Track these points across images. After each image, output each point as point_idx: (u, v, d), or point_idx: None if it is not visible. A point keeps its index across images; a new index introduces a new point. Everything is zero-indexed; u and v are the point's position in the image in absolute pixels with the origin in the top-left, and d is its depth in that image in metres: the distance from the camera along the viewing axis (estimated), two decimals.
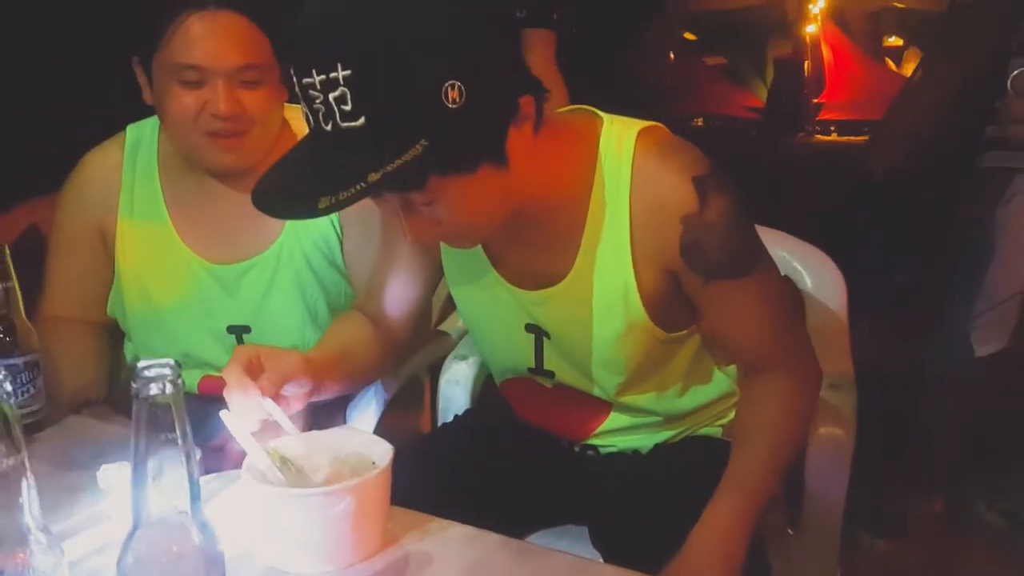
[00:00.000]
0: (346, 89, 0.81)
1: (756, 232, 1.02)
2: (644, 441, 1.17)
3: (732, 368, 1.18)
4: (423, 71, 0.82)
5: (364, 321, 1.19)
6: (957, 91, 1.85)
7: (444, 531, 0.91)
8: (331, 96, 0.82)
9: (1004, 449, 2.08)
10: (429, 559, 0.87)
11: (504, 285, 1.09)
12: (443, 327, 1.55)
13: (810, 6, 9.58)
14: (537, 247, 1.05)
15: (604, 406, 1.14)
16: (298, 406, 0.98)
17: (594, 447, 1.18)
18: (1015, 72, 1.73)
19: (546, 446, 1.21)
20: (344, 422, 1.36)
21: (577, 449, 1.20)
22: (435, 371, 1.48)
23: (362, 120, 0.82)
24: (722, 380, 1.17)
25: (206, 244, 1.32)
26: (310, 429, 0.98)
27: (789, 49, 9.89)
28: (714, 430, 1.19)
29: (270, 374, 0.94)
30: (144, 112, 1.29)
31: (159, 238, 1.32)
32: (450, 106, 0.82)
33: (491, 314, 1.14)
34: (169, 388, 0.57)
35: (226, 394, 0.93)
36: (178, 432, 0.58)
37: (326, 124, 0.84)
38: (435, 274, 1.19)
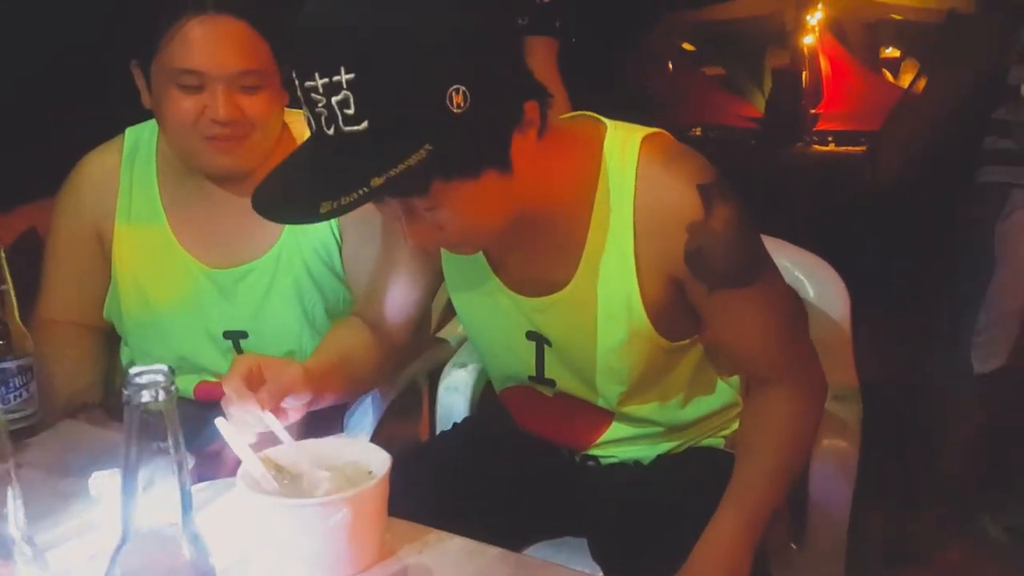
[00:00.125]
0: (349, 92, 0.80)
1: (761, 241, 1.01)
2: (646, 452, 1.15)
3: (735, 379, 1.17)
4: (427, 75, 0.81)
5: (362, 327, 1.17)
6: (957, 101, 1.84)
7: (442, 543, 0.89)
8: (334, 99, 0.81)
9: (1008, 464, 2.07)
10: (427, 572, 0.85)
11: (505, 292, 1.07)
12: (442, 333, 1.54)
13: (808, 17, 9.62)
14: (539, 253, 1.03)
15: (605, 416, 1.12)
16: (296, 417, 0.96)
17: (595, 457, 1.17)
18: None
19: (546, 456, 1.19)
20: (342, 430, 1.35)
21: (578, 459, 1.18)
22: (434, 378, 1.47)
23: (365, 124, 0.81)
24: (725, 390, 1.16)
25: (204, 248, 1.31)
26: (307, 437, 0.96)
27: (787, 60, 9.94)
28: (717, 441, 1.17)
29: (270, 386, 0.93)
30: (144, 115, 1.28)
31: (156, 242, 1.31)
32: (454, 111, 0.81)
33: (492, 321, 1.12)
34: (162, 395, 0.55)
35: (224, 406, 0.91)
36: (170, 441, 0.56)
37: (328, 128, 0.82)
38: (435, 280, 1.18)
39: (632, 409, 1.11)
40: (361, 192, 0.80)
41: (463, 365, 1.43)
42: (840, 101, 9.58)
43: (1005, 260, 1.81)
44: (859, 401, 1.27)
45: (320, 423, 1.19)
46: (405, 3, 0.82)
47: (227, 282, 1.30)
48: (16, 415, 1.10)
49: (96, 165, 1.35)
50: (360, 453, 0.89)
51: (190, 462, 1.00)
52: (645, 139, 0.98)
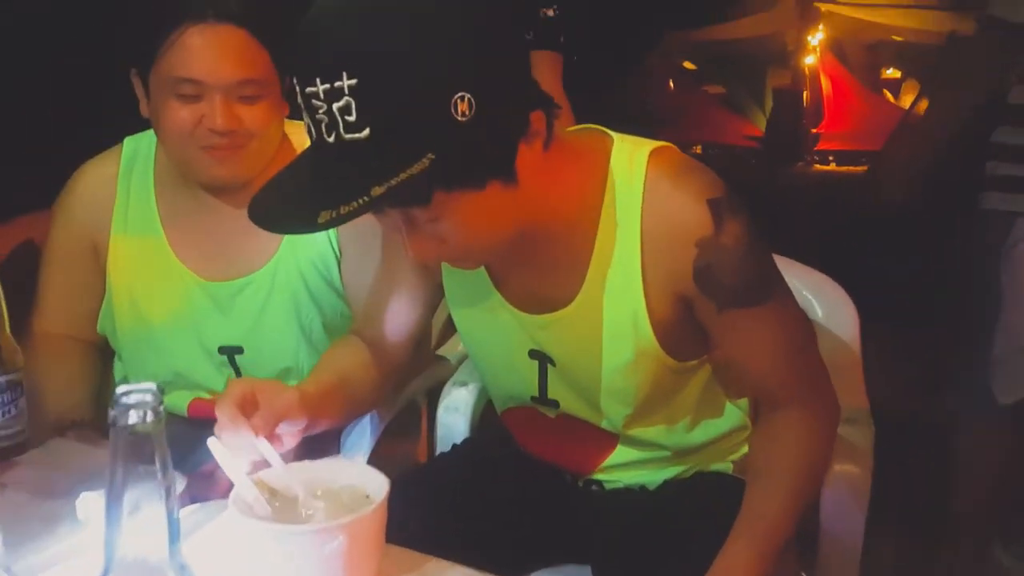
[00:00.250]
0: (351, 99, 0.77)
1: (772, 259, 0.98)
2: (652, 476, 1.12)
3: (743, 401, 1.14)
4: (432, 82, 0.78)
5: (361, 347, 1.15)
6: (958, 123, 1.82)
7: (442, 573, 0.86)
8: (335, 106, 0.78)
9: (1020, 490, 2.03)
10: None
11: (508, 308, 1.05)
12: (442, 351, 1.52)
13: (809, 37, 9.68)
14: (543, 269, 1.01)
15: (610, 439, 1.09)
16: (292, 443, 0.93)
17: (599, 482, 1.13)
18: None
19: (548, 480, 1.16)
20: (338, 450, 1.32)
21: (581, 484, 1.15)
22: (433, 397, 1.44)
23: (366, 131, 0.78)
24: (734, 413, 1.13)
25: (201, 260, 1.29)
26: (302, 459, 0.93)
27: (788, 79, 9.98)
28: (725, 466, 1.14)
29: (264, 412, 0.90)
30: (145, 124, 1.26)
31: (153, 253, 1.29)
32: (459, 119, 0.79)
33: (493, 339, 1.09)
34: (150, 416, 0.52)
35: (217, 432, 0.88)
36: (158, 465, 0.53)
37: (329, 135, 0.80)
38: (435, 296, 1.15)
39: (638, 432, 1.08)
40: (361, 201, 0.77)
41: (463, 384, 1.40)
42: (841, 121, 9.62)
43: (1014, 292, 1.78)
44: (871, 424, 1.24)
45: (316, 443, 1.15)
46: (409, 8, 0.80)
47: (223, 295, 1.28)
48: (3, 432, 1.07)
49: (93, 175, 1.33)
50: (357, 476, 0.86)
51: (181, 483, 0.98)
52: (653, 152, 0.96)
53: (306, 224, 0.80)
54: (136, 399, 0.52)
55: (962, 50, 1.85)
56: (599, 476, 1.13)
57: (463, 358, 1.48)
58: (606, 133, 0.99)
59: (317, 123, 0.80)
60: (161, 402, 0.53)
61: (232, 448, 0.86)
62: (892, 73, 11.11)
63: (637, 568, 1.03)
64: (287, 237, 1.27)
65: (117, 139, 1.35)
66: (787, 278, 1.04)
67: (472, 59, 0.80)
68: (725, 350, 1.01)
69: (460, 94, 0.78)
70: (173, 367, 1.30)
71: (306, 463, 0.90)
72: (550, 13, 1.81)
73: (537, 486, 1.15)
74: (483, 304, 1.07)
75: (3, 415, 1.07)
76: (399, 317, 1.15)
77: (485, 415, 1.38)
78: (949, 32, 1.99)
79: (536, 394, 1.09)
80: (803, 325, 1.02)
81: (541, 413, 1.11)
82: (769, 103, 9.94)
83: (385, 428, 1.32)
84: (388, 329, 1.15)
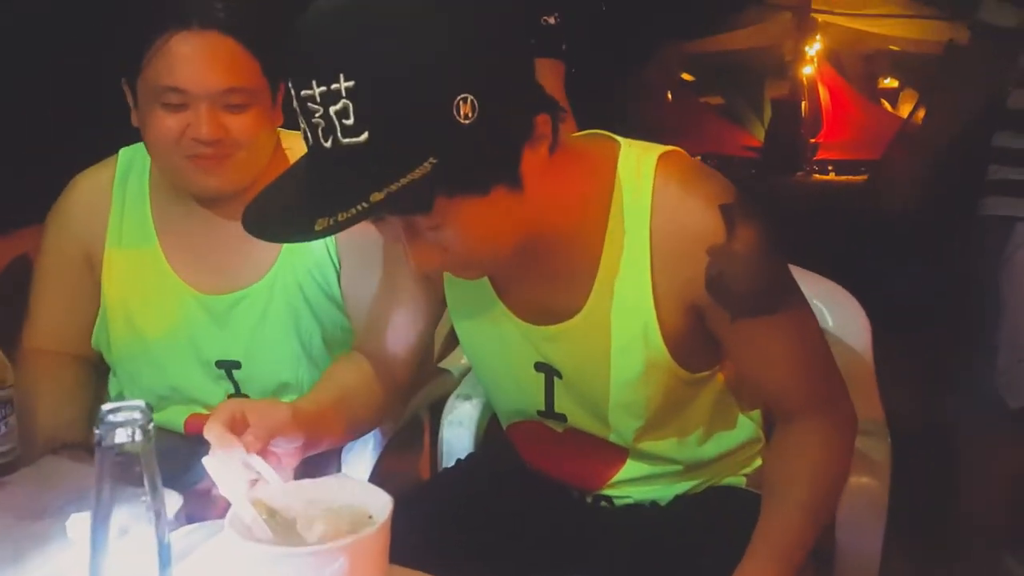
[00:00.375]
0: (348, 102, 0.75)
1: (787, 266, 0.95)
2: (663, 492, 1.09)
3: (756, 413, 1.11)
4: (433, 83, 0.75)
5: (363, 364, 1.11)
6: (958, 129, 1.81)
7: None
8: (332, 109, 0.75)
9: None
10: None
11: (512, 320, 1.01)
12: (445, 364, 1.49)
13: (806, 48, 9.71)
14: (549, 279, 0.97)
15: (620, 453, 1.06)
16: (291, 462, 0.90)
17: (608, 498, 1.10)
18: None
19: (556, 496, 1.12)
20: (339, 466, 1.29)
21: (590, 500, 1.11)
22: (436, 411, 1.41)
23: (365, 136, 0.75)
24: (747, 425, 1.09)
25: (196, 273, 1.26)
26: (301, 476, 0.90)
27: (786, 90, 10.02)
28: (738, 480, 1.11)
29: (255, 429, 0.86)
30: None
31: (147, 265, 1.27)
32: (462, 122, 0.76)
33: (497, 351, 1.06)
34: (138, 435, 0.49)
35: (208, 457, 0.84)
36: (147, 486, 0.49)
37: (326, 140, 0.77)
38: (438, 308, 1.12)
39: (648, 446, 1.04)
40: (359, 208, 0.74)
41: (467, 398, 1.38)
42: (840, 130, 9.65)
43: (1014, 298, 1.76)
44: (887, 436, 1.21)
45: (316, 459, 1.12)
46: (409, 7, 0.77)
47: (219, 309, 1.25)
48: None
49: (88, 185, 1.31)
50: (359, 495, 0.83)
51: (177, 502, 0.95)
52: (661, 157, 0.93)
53: (302, 232, 0.77)
54: (124, 417, 0.49)
55: (958, 58, 1.84)
56: (608, 492, 1.10)
57: (466, 371, 1.46)
58: (613, 138, 0.97)
59: (313, 128, 0.77)
60: (150, 420, 0.50)
61: (226, 467, 0.83)
62: (890, 83, 11.15)
63: None
64: (284, 249, 1.25)
65: (114, 151, 1.33)
66: None
67: (475, 59, 0.77)
68: (739, 360, 0.98)
69: (462, 96, 0.75)
70: (169, 382, 1.27)
71: (306, 481, 0.87)
72: (551, 20, 1.78)
73: (544, 502, 1.12)
74: (486, 316, 1.04)
75: None
76: (401, 330, 1.12)
77: (490, 429, 1.35)
78: (947, 41, 1.98)
79: (542, 408, 1.06)
80: (819, 333, 0.99)
81: (548, 427, 1.08)
82: (767, 114, 9.98)
83: (388, 443, 1.29)
84: (390, 343, 1.12)
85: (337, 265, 1.26)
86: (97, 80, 1.19)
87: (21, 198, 1.62)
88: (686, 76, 11.33)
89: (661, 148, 0.95)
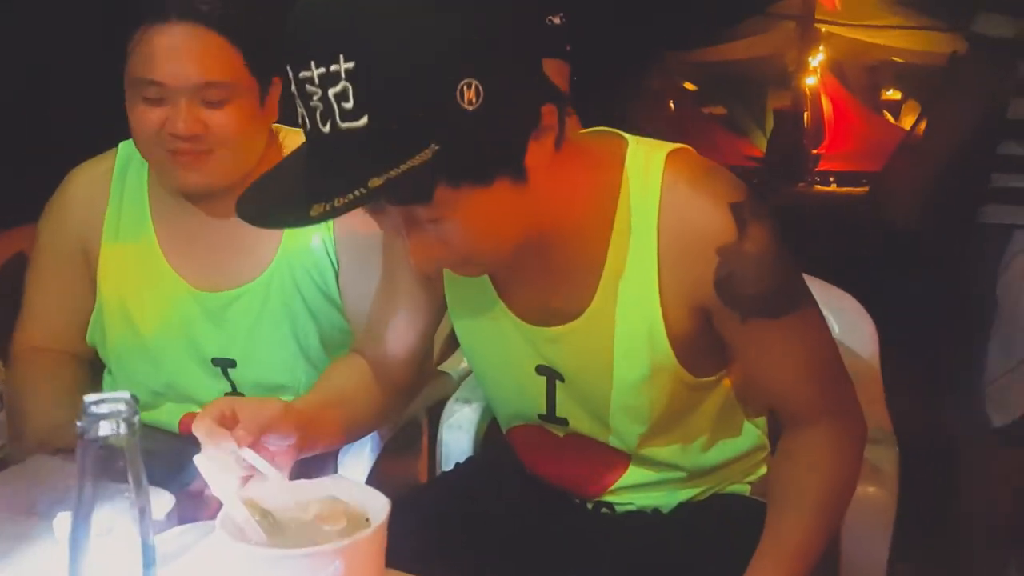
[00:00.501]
0: (348, 84, 0.72)
1: (797, 267, 0.93)
2: (665, 499, 1.06)
3: (762, 420, 1.08)
4: (437, 66, 0.73)
5: (361, 365, 1.09)
6: (958, 141, 1.80)
7: None
8: (331, 92, 0.73)
9: None
10: None
11: (514, 321, 0.99)
12: (444, 367, 1.47)
13: (810, 59, 9.71)
14: (552, 279, 0.95)
15: (622, 459, 1.04)
16: (285, 461, 0.87)
17: (609, 504, 1.08)
18: None
19: (556, 502, 1.10)
20: (335, 468, 1.27)
21: (590, 506, 1.09)
22: (434, 414, 1.39)
23: (364, 120, 0.73)
24: (752, 432, 1.07)
25: (193, 269, 1.24)
26: (297, 477, 0.88)
27: (789, 100, 10.01)
28: (742, 488, 1.08)
29: (246, 424, 0.84)
30: None
31: (144, 260, 1.25)
32: (466, 107, 0.73)
33: (498, 353, 1.04)
34: (123, 428, 0.47)
35: (200, 456, 0.82)
36: (131, 482, 0.47)
37: (324, 125, 0.74)
38: (438, 310, 1.10)
39: (651, 451, 1.02)
40: (357, 193, 0.72)
41: (467, 401, 1.36)
42: (842, 142, 9.64)
43: (1011, 305, 1.74)
44: (895, 445, 1.19)
45: (312, 460, 1.10)
46: None
47: (215, 306, 1.23)
48: None
49: (86, 177, 1.29)
50: (356, 497, 0.81)
51: (169, 502, 0.92)
52: (670, 155, 0.91)
53: (297, 217, 0.74)
54: (108, 408, 0.47)
55: (956, 69, 1.84)
56: (610, 498, 1.07)
57: (466, 374, 1.44)
58: (620, 135, 0.95)
59: (311, 112, 0.75)
60: (136, 412, 0.48)
61: (218, 465, 0.80)
62: (892, 94, 11.16)
63: None
64: (282, 248, 1.23)
65: (112, 148, 1.31)
66: None
67: (481, 44, 0.75)
68: (747, 364, 0.96)
69: (467, 80, 0.73)
70: (165, 379, 1.26)
71: (302, 482, 0.85)
72: (556, 21, 1.76)
73: (544, 508, 1.09)
74: (487, 317, 1.01)
75: None
76: (400, 331, 1.10)
77: (489, 434, 1.34)
78: (951, 53, 1.98)
79: (543, 412, 1.03)
80: (830, 337, 0.97)
81: (549, 432, 1.06)
82: (770, 124, 9.97)
83: (385, 446, 1.27)
84: (389, 344, 1.09)
85: (335, 265, 1.24)
86: (95, 76, 1.18)
87: (17, 196, 1.61)
88: (688, 85, 11.33)
89: (670, 145, 0.93)
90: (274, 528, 0.78)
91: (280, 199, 0.78)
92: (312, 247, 1.23)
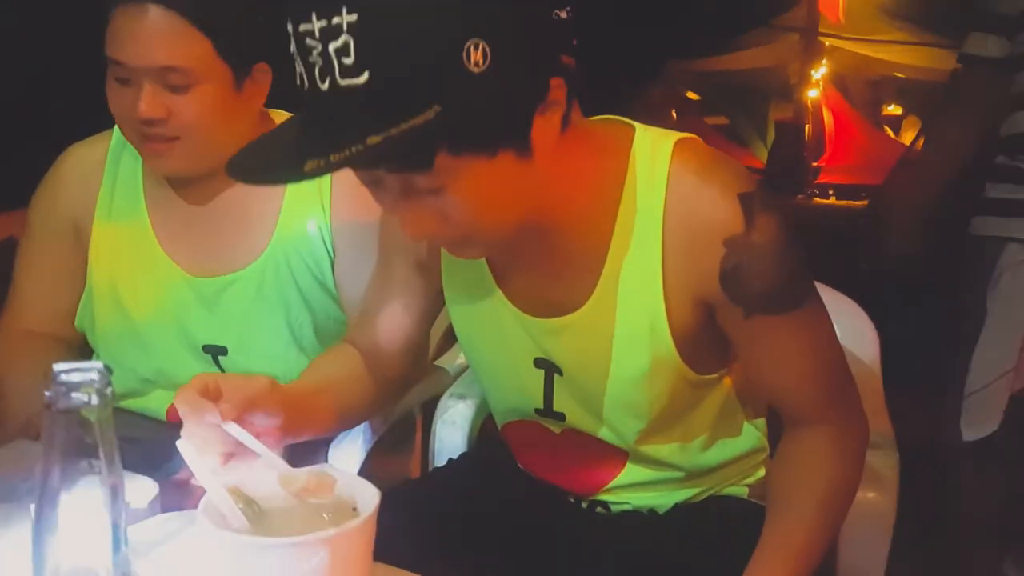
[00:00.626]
0: (350, 38, 0.69)
1: (805, 262, 0.90)
2: (662, 499, 1.04)
3: (761, 421, 1.06)
4: (443, 22, 0.70)
5: (353, 354, 1.07)
6: (955, 159, 1.81)
7: None
8: (331, 46, 0.70)
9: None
10: None
11: (512, 312, 0.97)
12: (440, 363, 1.44)
13: (812, 72, 9.72)
14: (553, 268, 0.93)
15: (619, 456, 1.01)
16: (271, 443, 0.84)
17: (605, 503, 1.05)
18: None
19: (550, 500, 1.07)
20: (326, 460, 1.24)
21: (585, 505, 1.06)
22: (428, 409, 1.36)
23: (365, 76, 0.69)
24: (751, 434, 1.05)
25: (186, 254, 1.22)
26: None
27: (791, 112, 10.03)
28: (740, 490, 1.06)
29: (230, 397, 0.81)
30: None
31: (137, 242, 1.23)
32: (471, 69, 0.70)
33: (496, 346, 1.01)
34: (95, 400, 0.44)
35: (182, 417, 0.79)
36: (103, 458, 0.44)
37: (322, 82, 0.71)
38: (434, 301, 1.07)
39: (650, 449, 0.99)
40: (354, 150, 0.68)
41: (462, 397, 1.33)
42: (842, 155, 9.65)
43: (993, 321, 1.73)
44: (895, 450, 1.17)
45: (301, 451, 1.08)
46: None
47: (209, 292, 1.21)
48: None
49: (80, 156, 1.27)
50: (345, 487, 0.78)
51: (153, 490, 0.90)
52: (678, 143, 0.88)
53: (290, 173, 0.71)
54: (80, 378, 0.44)
55: (955, 86, 1.84)
56: (605, 497, 1.05)
57: (461, 370, 1.41)
58: (628, 123, 0.92)
59: (310, 68, 0.72)
60: (109, 383, 0.45)
61: (200, 439, 0.78)
62: (893, 109, 11.17)
63: None
64: (277, 234, 1.21)
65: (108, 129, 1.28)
66: None
67: (491, 3, 0.72)
68: (750, 360, 0.93)
69: (474, 41, 0.70)
70: (155, 364, 1.23)
71: (288, 469, 0.81)
72: (562, 15, 1.74)
73: (538, 506, 1.07)
74: (485, 308, 0.99)
75: None
76: (395, 324, 1.07)
77: (483, 431, 1.31)
78: (952, 70, 1.98)
79: (541, 406, 1.01)
80: (835, 336, 0.94)
81: (545, 428, 1.03)
82: (771, 135, 9.98)
83: (378, 440, 1.24)
84: (383, 336, 1.07)
85: (331, 254, 1.22)
86: (91, 60, 1.16)
87: (9, 180, 1.59)
88: (691, 95, 11.34)
89: (678, 134, 0.90)
90: (258, 517, 0.75)
91: (273, 157, 0.75)
92: (308, 234, 1.20)
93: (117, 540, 0.45)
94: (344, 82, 0.70)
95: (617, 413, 0.96)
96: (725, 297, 0.87)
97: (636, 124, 0.92)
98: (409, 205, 0.79)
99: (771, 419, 1.07)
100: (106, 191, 1.24)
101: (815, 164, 9.68)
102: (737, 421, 1.03)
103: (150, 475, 0.92)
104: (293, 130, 0.77)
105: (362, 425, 1.22)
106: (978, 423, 1.76)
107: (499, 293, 0.97)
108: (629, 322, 0.90)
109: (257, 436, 0.82)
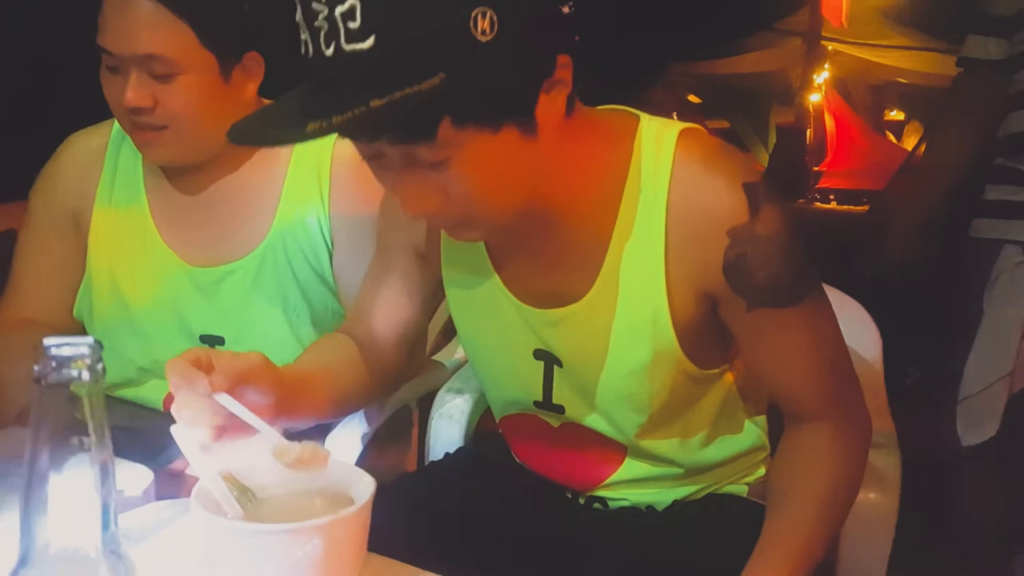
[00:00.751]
0: (356, 2, 0.68)
1: (809, 256, 0.89)
2: (661, 496, 1.03)
3: (761, 418, 1.05)
4: None
5: (349, 342, 1.06)
6: (956, 163, 1.80)
7: None
8: (337, 10, 0.68)
9: None
10: None
11: (512, 302, 0.96)
12: (438, 357, 1.43)
13: (815, 76, 9.71)
14: (554, 258, 0.92)
15: (618, 451, 1.00)
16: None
17: (603, 499, 1.04)
18: None
19: (547, 495, 1.06)
20: None
21: (583, 501, 1.05)
22: (425, 403, 1.35)
23: (371, 41, 0.68)
24: (752, 431, 1.04)
25: (185, 243, 1.21)
26: None
27: (792, 116, 10.02)
28: (740, 488, 1.05)
29: (222, 369, 0.79)
30: None
31: (136, 231, 1.22)
32: (478, 37, 0.69)
33: (495, 336, 1.00)
34: (85, 375, 0.43)
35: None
36: (92, 435, 0.43)
37: (327, 47, 0.70)
38: (433, 293, 1.07)
39: (649, 444, 0.98)
40: (357, 112, 0.67)
41: (459, 392, 1.32)
42: (844, 160, 9.64)
43: (988, 325, 1.72)
44: (898, 449, 1.15)
45: (296, 440, 1.07)
46: None
47: (207, 281, 1.20)
48: None
49: (81, 144, 1.27)
50: (340, 476, 0.77)
51: (147, 478, 0.89)
52: (683, 133, 0.87)
53: (291, 134, 0.70)
54: (70, 352, 0.43)
55: (955, 90, 1.84)
56: (603, 492, 1.03)
57: (459, 365, 1.40)
58: (633, 112, 0.91)
59: (315, 33, 0.70)
60: (100, 359, 0.44)
61: (191, 412, 0.76)
62: (895, 115, 11.16)
63: None
64: (275, 225, 1.20)
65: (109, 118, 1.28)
66: None
67: None
68: (752, 355, 0.92)
69: (482, 9, 0.69)
70: (152, 354, 1.22)
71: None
72: (565, 11, 1.73)
73: (534, 501, 1.05)
74: (485, 298, 0.98)
75: None
76: (392, 314, 1.06)
77: (480, 426, 1.30)
78: (955, 76, 1.98)
79: (540, 399, 0.99)
80: (838, 332, 0.93)
81: (543, 421, 1.02)
82: (772, 139, 9.97)
83: (374, 434, 1.23)
84: (379, 326, 1.06)
85: (330, 246, 1.21)
86: (92, 51, 1.15)
87: (10, 173, 1.58)
88: (692, 98, 11.33)
89: (683, 124, 0.89)
90: (253, 504, 0.75)
91: (275, 121, 0.75)
92: (307, 225, 1.20)
93: (107, 518, 0.44)
94: (349, 47, 0.69)
95: (617, 406, 0.95)
96: (728, 289, 0.86)
97: (641, 114, 0.91)
98: (411, 179, 0.78)
99: (771, 418, 1.06)
100: (106, 180, 1.23)
101: (816, 168, 9.68)
102: (738, 418, 1.02)
103: (145, 464, 0.91)
104: (296, 99, 0.76)
105: (359, 418, 1.21)
106: (976, 427, 1.75)
107: (499, 283, 0.96)
108: (630, 314, 0.89)
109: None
